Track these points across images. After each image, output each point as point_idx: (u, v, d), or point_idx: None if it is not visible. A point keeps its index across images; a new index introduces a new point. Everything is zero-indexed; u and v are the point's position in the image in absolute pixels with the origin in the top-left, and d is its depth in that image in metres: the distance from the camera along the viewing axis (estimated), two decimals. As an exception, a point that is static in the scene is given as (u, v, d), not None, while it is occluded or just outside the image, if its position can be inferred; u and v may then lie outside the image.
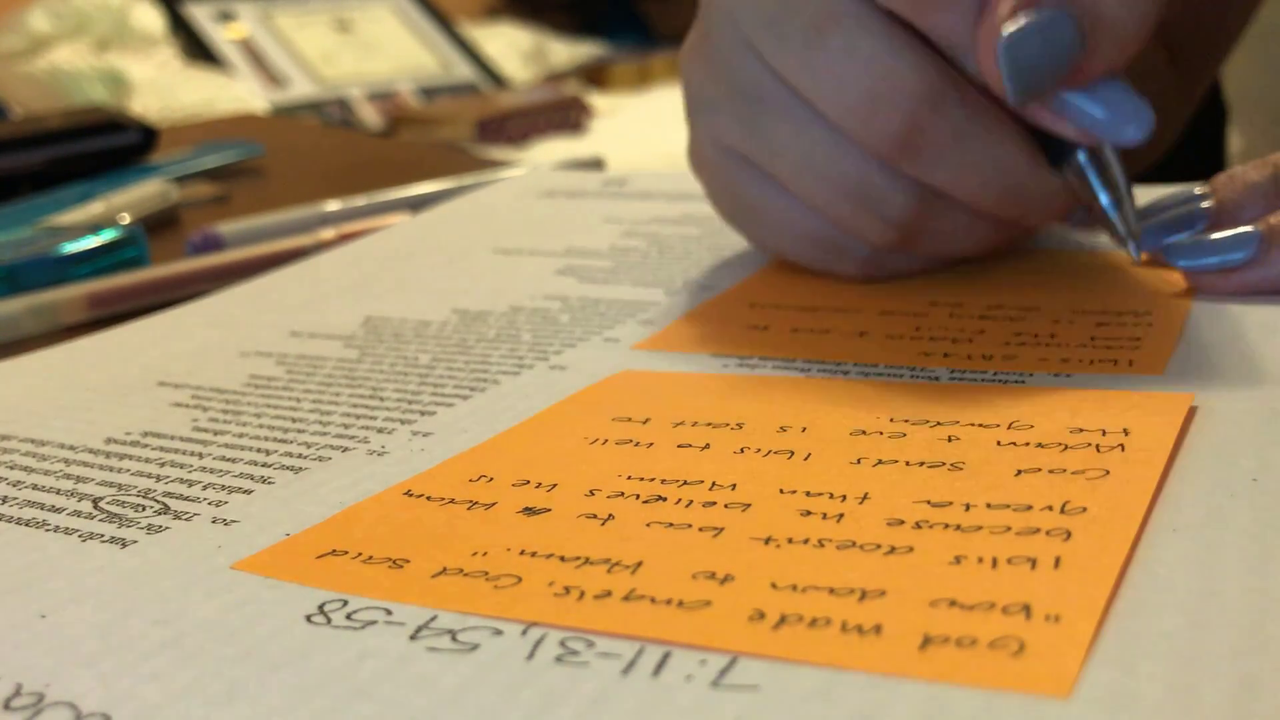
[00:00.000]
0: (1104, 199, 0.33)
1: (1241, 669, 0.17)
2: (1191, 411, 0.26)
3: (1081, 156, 0.33)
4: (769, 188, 0.36)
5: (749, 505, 0.23)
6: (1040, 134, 0.33)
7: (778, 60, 0.33)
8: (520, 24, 2.57)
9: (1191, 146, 0.75)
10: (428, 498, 0.25)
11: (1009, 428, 0.26)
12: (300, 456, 0.28)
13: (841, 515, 0.22)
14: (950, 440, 0.25)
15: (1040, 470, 0.23)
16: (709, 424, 0.28)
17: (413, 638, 0.20)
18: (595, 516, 0.23)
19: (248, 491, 0.26)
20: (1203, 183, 0.36)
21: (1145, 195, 0.39)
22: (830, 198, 0.34)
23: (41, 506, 0.26)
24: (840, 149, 0.33)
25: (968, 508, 0.22)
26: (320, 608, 0.21)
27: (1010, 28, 0.30)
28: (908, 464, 0.24)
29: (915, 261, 0.37)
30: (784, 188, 0.35)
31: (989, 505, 0.22)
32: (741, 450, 0.26)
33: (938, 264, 0.37)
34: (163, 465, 0.28)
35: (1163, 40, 0.55)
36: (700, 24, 0.36)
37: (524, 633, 0.20)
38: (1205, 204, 0.35)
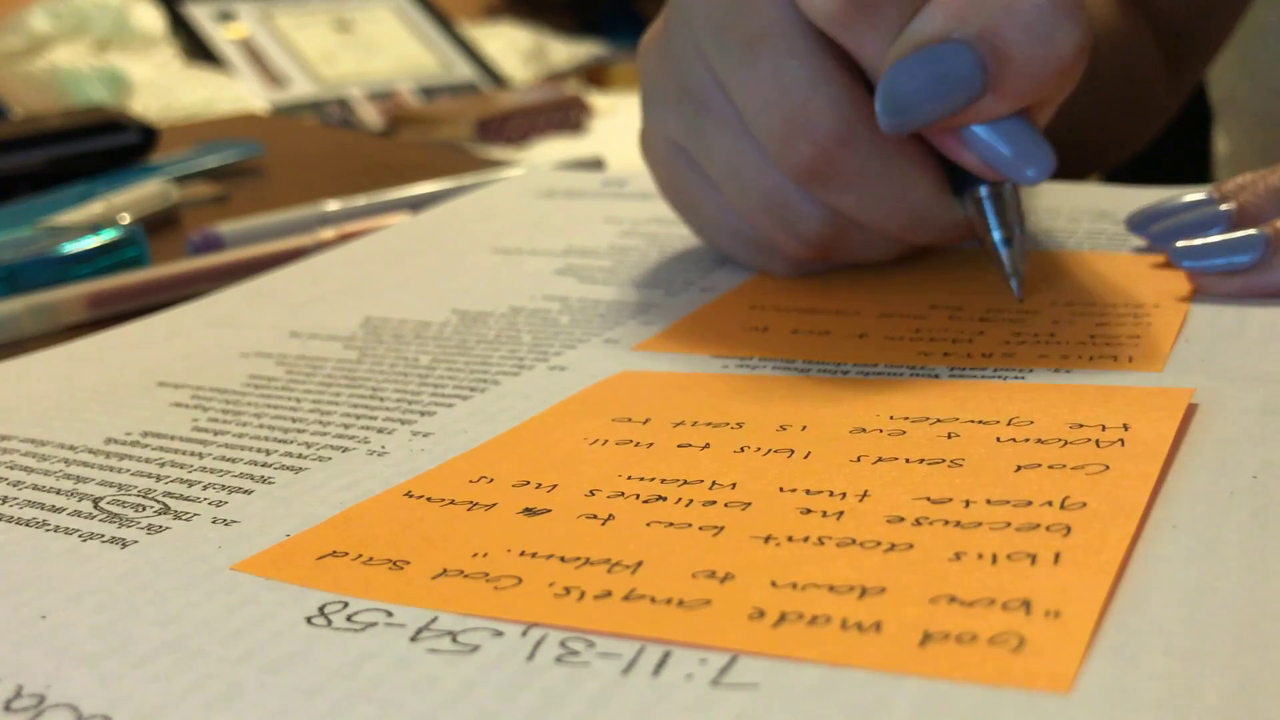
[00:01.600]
0: (996, 235, 0.33)
1: (1241, 665, 0.17)
2: (1192, 409, 0.26)
3: (983, 190, 0.33)
4: (707, 185, 0.37)
5: (749, 504, 0.23)
6: (949, 160, 0.33)
7: (718, 69, 0.34)
8: (520, 24, 2.56)
9: (1177, 149, 0.75)
10: (428, 498, 0.25)
11: (1009, 424, 0.26)
12: (300, 457, 0.28)
13: (841, 513, 0.22)
14: (950, 437, 0.25)
15: (1040, 466, 0.23)
16: (709, 423, 0.28)
17: (413, 639, 0.20)
18: (595, 517, 0.23)
19: (248, 492, 0.26)
20: (1210, 186, 0.36)
21: (1150, 197, 0.39)
22: (752, 208, 0.35)
23: (41, 506, 0.26)
24: (764, 165, 0.34)
25: (967, 504, 0.22)
26: (321, 609, 0.21)
27: (900, 57, 0.31)
28: (907, 461, 0.24)
29: (835, 266, 0.38)
30: (716, 189, 0.36)
31: (989, 501, 0.22)
32: (741, 449, 0.26)
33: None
34: (163, 465, 0.28)
35: (1155, 32, 0.55)
36: (663, 18, 0.37)
37: (524, 633, 0.20)
38: (1225, 207, 0.35)
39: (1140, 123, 0.57)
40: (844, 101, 0.32)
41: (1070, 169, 0.51)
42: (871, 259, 0.38)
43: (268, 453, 0.28)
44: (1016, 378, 0.29)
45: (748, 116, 0.34)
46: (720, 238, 0.39)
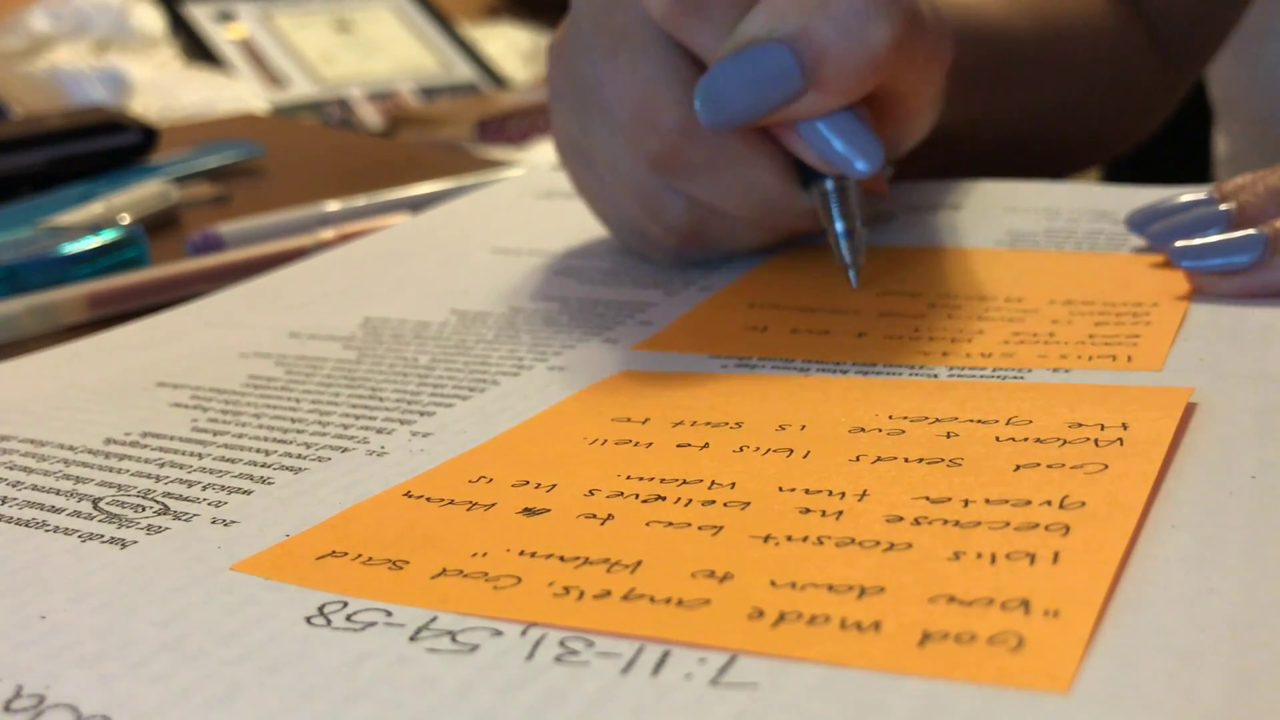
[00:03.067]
0: (838, 227, 0.35)
1: (1239, 665, 0.17)
2: (1190, 408, 0.26)
3: (828, 184, 0.35)
4: (596, 176, 0.40)
5: (748, 504, 0.23)
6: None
7: (596, 66, 0.37)
8: (520, 24, 2.56)
9: (1177, 149, 0.75)
10: (427, 498, 0.25)
11: (1008, 423, 0.26)
12: (300, 457, 0.28)
13: (840, 513, 0.22)
14: (949, 436, 0.25)
15: (1039, 465, 0.23)
16: (708, 423, 0.28)
17: (413, 639, 0.20)
18: (595, 516, 0.23)
19: (247, 492, 0.26)
20: (1210, 186, 0.36)
21: (1149, 196, 0.39)
22: (625, 199, 0.39)
23: (41, 507, 0.26)
24: (632, 157, 0.37)
25: (966, 503, 0.22)
26: (320, 609, 0.21)
27: (722, 55, 0.33)
28: (906, 460, 0.24)
29: (711, 254, 0.40)
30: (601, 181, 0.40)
31: (988, 501, 0.22)
32: (740, 449, 0.26)
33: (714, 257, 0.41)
34: (162, 466, 0.28)
35: (1151, 31, 0.55)
36: (566, 21, 0.39)
37: (524, 633, 0.20)
38: (1224, 206, 0.35)
39: (1131, 119, 0.57)
40: (687, 96, 0.34)
41: (1057, 164, 0.51)
42: (742, 249, 0.40)
43: (267, 453, 0.28)
44: (1015, 377, 0.29)
45: (611, 109, 0.36)
46: (612, 226, 0.41)
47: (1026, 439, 0.25)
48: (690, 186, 0.36)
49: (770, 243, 0.40)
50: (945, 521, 0.22)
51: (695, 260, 0.41)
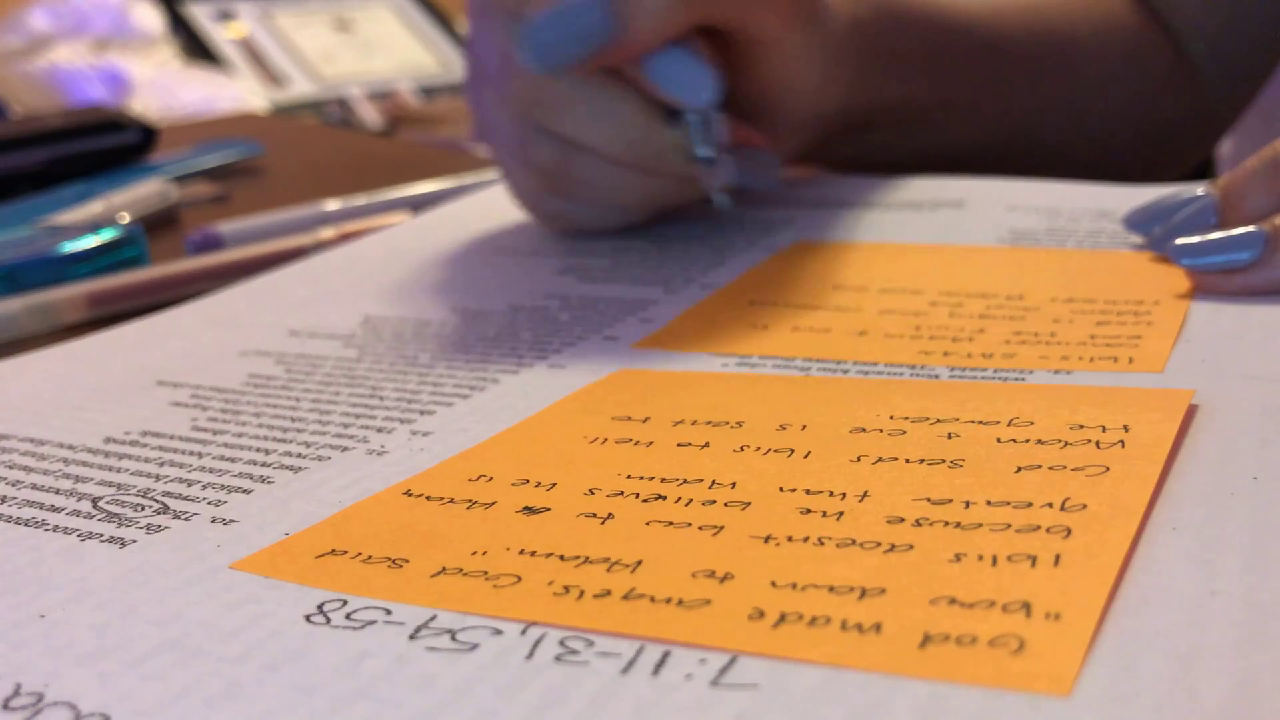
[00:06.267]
0: (701, 152, 0.39)
1: (1241, 668, 0.17)
2: (1192, 410, 0.26)
3: (690, 116, 0.39)
4: (492, 146, 0.44)
5: (749, 504, 0.23)
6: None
7: (473, 32, 0.41)
8: (520, 23, 2.56)
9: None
10: (427, 497, 0.25)
11: (1009, 425, 0.26)
12: (299, 456, 0.28)
13: (841, 513, 0.22)
14: (950, 437, 0.25)
15: (1040, 467, 0.23)
16: (708, 422, 0.27)
17: (412, 637, 0.20)
18: (595, 515, 0.23)
19: (247, 491, 0.26)
20: (1207, 183, 0.36)
21: (1149, 195, 0.39)
22: (499, 149, 0.43)
23: (41, 506, 0.26)
24: (504, 109, 0.41)
25: (968, 505, 0.22)
26: (319, 607, 0.21)
27: (536, 12, 0.37)
28: (907, 461, 0.24)
29: (580, 211, 0.44)
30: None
31: (989, 502, 0.22)
32: (741, 448, 0.26)
33: (610, 221, 0.44)
34: (162, 465, 0.28)
35: (1182, 53, 0.56)
36: None
37: (523, 632, 0.19)
38: (1210, 199, 0.35)
39: (1157, 147, 0.57)
40: None
41: (1063, 173, 0.51)
42: (621, 202, 0.43)
43: (267, 452, 0.28)
44: (1017, 378, 0.29)
45: (484, 66, 0.41)
46: (511, 190, 0.45)
47: (1028, 440, 0.25)
48: (557, 123, 0.40)
49: (650, 202, 0.43)
50: (946, 523, 0.22)
51: (563, 220, 0.44)
